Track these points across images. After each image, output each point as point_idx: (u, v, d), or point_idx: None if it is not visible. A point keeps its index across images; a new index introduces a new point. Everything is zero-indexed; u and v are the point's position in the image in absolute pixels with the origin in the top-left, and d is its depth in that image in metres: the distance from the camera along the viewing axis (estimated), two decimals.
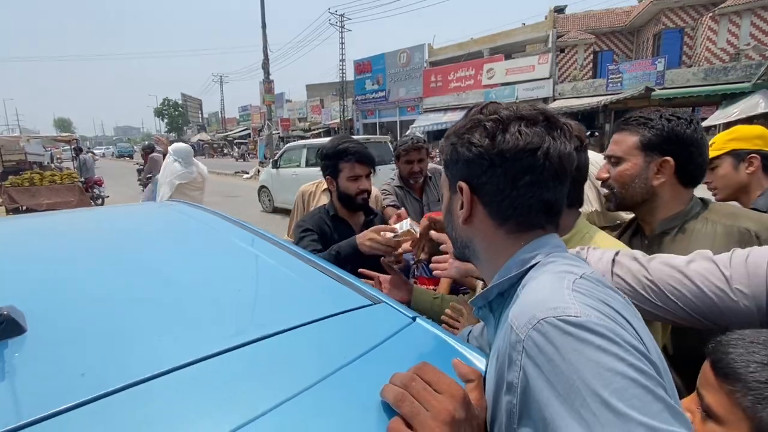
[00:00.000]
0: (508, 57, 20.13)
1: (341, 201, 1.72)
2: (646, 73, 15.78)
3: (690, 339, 0.97)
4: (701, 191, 1.19)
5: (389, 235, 1.37)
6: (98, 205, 9.62)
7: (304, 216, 1.86)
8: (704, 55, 16.24)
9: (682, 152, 1.05)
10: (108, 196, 10.43)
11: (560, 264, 0.55)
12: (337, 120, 29.20)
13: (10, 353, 0.59)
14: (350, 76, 27.81)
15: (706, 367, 0.61)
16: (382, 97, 25.46)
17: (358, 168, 1.66)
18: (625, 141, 1.11)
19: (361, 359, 0.64)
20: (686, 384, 0.81)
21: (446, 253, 1.18)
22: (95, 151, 36.14)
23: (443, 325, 1.23)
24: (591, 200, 1.22)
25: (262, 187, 10.42)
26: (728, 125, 13.16)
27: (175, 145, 4.61)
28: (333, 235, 1.66)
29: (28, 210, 7.87)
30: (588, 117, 16.65)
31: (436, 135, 20.26)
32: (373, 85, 25.92)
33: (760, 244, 0.93)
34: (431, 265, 1.24)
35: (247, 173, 19.08)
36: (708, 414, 0.59)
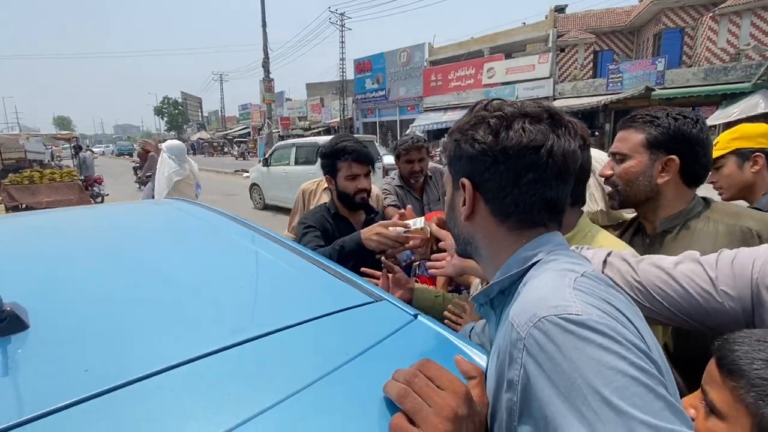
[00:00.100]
0: (508, 56, 20.11)
1: (341, 200, 1.72)
2: (647, 72, 15.77)
3: (693, 339, 0.97)
4: (707, 191, 1.19)
5: (399, 230, 1.34)
6: (98, 203, 9.61)
7: (306, 214, 1.86)
8: (704, 55, 16.24)
9: (688, 151, 1.05)
10: (108, 194, 10.42)
11: (562, 262, 0.55)
12: (337, 119, 29.18)
13: (14, 349, 0.59)
14: (350, 75, 27.81)
15: (711, 363, 0.61)
16: (382, 96, 25.43)
17: (355, 167, 1.65)
18: (631, 138, 1.11)
19: (362, 356, 0.64)
20: (688, 384, 0.82)
21: (444, 250, 1.18)
22: (94, 150, 36.05)
23: (445, 321, 1.23)
24: (597, 199, 1.22)
25: (253, 184, 10.68)
26: (728, 125, 13.17)
27: (168, 142, 4.64)
28: (335, 233, 1.66)
29: (28, 208, 7.86)
30: (588, 117, 16.64)
31: (436, 134, 20.24)
32: (373, 84, 25.90)
33: (761, 244, 0.93)
34: (429, 263, 1.24)
35: (247, 172, 19.05)
36: (711, 410, 0.59)
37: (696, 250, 0.80)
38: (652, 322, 0.80)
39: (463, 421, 0.49)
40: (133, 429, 0.47)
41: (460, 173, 0.64)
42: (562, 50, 19.86)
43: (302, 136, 26.26)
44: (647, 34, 19.20)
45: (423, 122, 21.13)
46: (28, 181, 8.27)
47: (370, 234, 1.37)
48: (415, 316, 0.81)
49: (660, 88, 15.18)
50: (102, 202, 9.88)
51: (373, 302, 0.84)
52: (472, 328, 0.95)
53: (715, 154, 1.46)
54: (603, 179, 1.18)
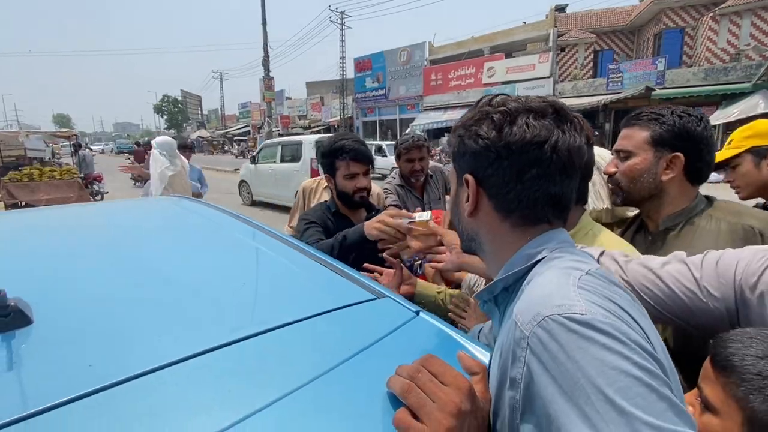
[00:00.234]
0: (508, 55, 20.10)
1: (340, 199, 1.71)
2: (647, 72, 15.78)
3: (693, 336, 0.98)
4: (725, 191, 1.18)
5: (404, 221, 1.28)
6: (97, 200, 9.60)
7: (307, 211, 1.86)
8: (704, 55, 16.24)
9: (692, 149, 1.06)
10: (107, 192, 10.41)
11: (566, 260, 0.54)
12: (337, 118, 29.16)
13: (18, 343, 0.59)
14: (350, 73, 27.78)
15: (707, 361, 0.63)
16: (382, 95, 25.42)
17: (353, 166, 1.63)
18: (636, 136, 1.11)
19: (365, 353, 0.65)
20: (690, 384, 0.82)
21: (441, 245, 1.18)
22: (92, 147, 35.93)
23: (450, 314, 1.23)
24: (603, 197, 1.22)
25: (242, 181, 11.11)
26: (728, 125, 13.18)
27: (158, 138, 4.64)
28: (335, 231, 1.65)
29: (28, 205, 7.84)
30: (588, 116, 16.60)
31: (436, 133, 20.25)
32: (373, 82, 25.88)
33: (763, 242, 0.94)
34: (429, 256, 1.24)
35: None
36: (706, 406, 0.60)
37: (698, 248, 0.81)
38: None
39: (466, 416, 0.49)
40: (136, 423, 0.47)
41: (464, 169, 0.63)
42: (563, 50, 19.85)
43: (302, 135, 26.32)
44: (647, 34, 19.19)
45: (423, 121, 21.12)
46: (27, 179, 8.24)
47: (372, 223, 1.34)
48: (417, 313, 0.81)
49: (660, 88, 15.19)
50: (102, 199, 9.87)
51: (374, 299, 0.84)
52: (481, 329, 0.96)
53: (730, 152, 1.44)
54: (607, 177, 1.18)
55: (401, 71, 24.14)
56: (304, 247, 1.15)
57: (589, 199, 1.22)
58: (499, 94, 0.64)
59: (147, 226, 1.36)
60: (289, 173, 9.30)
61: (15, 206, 7.91)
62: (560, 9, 21.63)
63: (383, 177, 10.08)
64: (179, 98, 66.83)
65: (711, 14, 15.95)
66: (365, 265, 1.30)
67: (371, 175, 1.74)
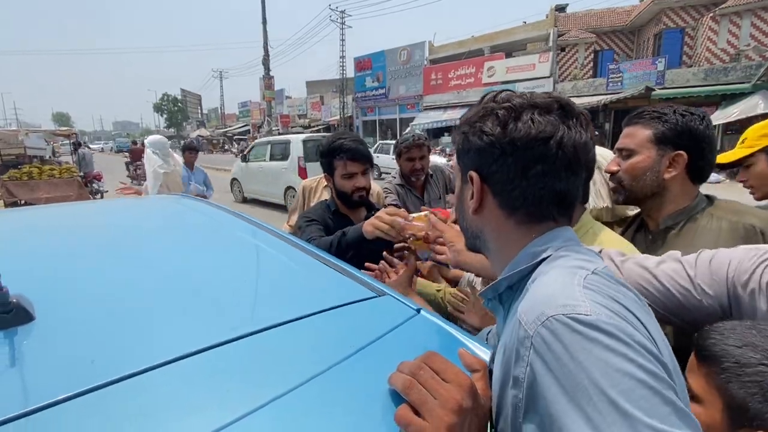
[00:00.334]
0: (508, 55, 20.09)
1: (339, 198, 1.70)
2: (647, 72, 15.77)
3: (690, 336, 0.98)
4: (724, 191, 1.17)
5: (400, 219, 1.27)
6: (97, 199, 9.59)
7: (308, 210, 1.86)
8: (704, 55, 16.25)
9: (695, 147, 1.06)
10: (107, 191, 10.40)
11: (572, 258, 0.54)
12: (337, 117, 29.15)
13: (20, 340, 0.59)
14: (350, 73, 27.76)
15: (692, 353, 0.66)
16: (382, 94, 25.41)
17: (351, 165, 1.62)
18: (638, 134, 1.11)
19: (365, 350, 0.65)
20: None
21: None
22: (91, 146, 35.82)
23: (449, 308, 1.23)
24: (604, 196, 1.23)
25: (234, 179, 11.46)
26: (728, 125, 13.18)
27: (151, 137, 4.66)
28: (335, 230, 1.66)
29: (27, 204, 7.84)
30: None
31: (435, 133, 20.24)
32: (373, 82, 25.87)
33: (764, 241, 0.94)
34: (433, 246, 1.24)
35: None
36: (691, 397, 0.62)
37: (699, 247, 0.82)
38: None
39: (467, 413, 0.49)
40: (138, 420, 0.47)
41: (469, 166, 0.63)
42: (563, 49, 19.85)
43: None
44: (648, 34, 19.20)
45: (423, 121, 21.11)
46: (27, 177, 8.23)
47: (369, 220, 1.33)
48: (418, 311, 0.81)
49: (660, 88, 15.19)
50: (101, 198, 9.86)
51: (375, 297, 0.85)
52: (489, 331, 0.96)
53: (744, 152, 1.42)
54: (608, 175, 1.19)
55: (401, 71, 24.13)
56: (305, 245, 1.15)
57: (590, 198, 1.22)
58: (503, 90, 0.63)
59: (148, 225, 1.36)
60: (278, 171, 9.67)
61: (14, 204, 7.89)
62: (560, 9, 21.64)
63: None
64: (179, 97, 66.82)
65: (711, 14, 15.95)
66: (367, 264, 1.29)
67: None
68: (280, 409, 0.51)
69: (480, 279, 1.31)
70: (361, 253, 1.35)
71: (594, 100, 16.28)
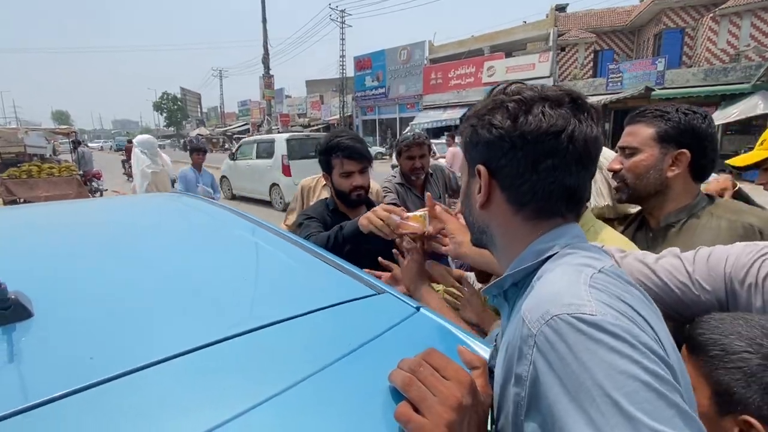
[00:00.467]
0: (508, 55, 20.10)
1: (338, 197, 1.69)
2: (646, 72, 15.78)
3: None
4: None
5: (395, 217, 1.23)
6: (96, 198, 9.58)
7: (307, 208, 1.85)
8: (704, 55, 16.26)
9: (697, 146, 1.07)
10: (107, 189, 10.39)
11: (578, 256, 0.53)
12: (337, 116, 29.15)
13: (19, 336, 0.59)
14: (350, 72, 27.75)
15: (684, 345, 0.67)
16: (382, 93, 25.41)
17: (348, 164, 1.59)
18: (641, 132, 1.12)
19: (365, 348, 0.65)
20: None
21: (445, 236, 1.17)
22: (90, 145, 35.74)
23: (445, 297, 1.23)
24: (604, 194, 1.23)
25: (223, 176, 11.77)
26: (727, 126, 13.19)
27: (139, 137, 4.67)
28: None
29: (26, 202, 7.83)
30: None
31: (435, 132, 20.25)
32: (373, 81, 25.87)
33: (762, 239, 0.95)
34: (430, 242, 1.23)
35: None
36: None
37: (698, 245, 0.83)
38: None
39: (467, 410, 0.49)
40: (136, 417, 0.47)
41: (476, 160, 0.61)
42: (563, 49, 19.86)
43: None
44: (648, 34, 19.20)
45: (423, 120, 21.11)
46: (26, 175, 8.22)
47: (366, 214, 1.30)
48: (418, 309, 0.81)
49: (660, 88, 15.19)
50: (101, 197, 9.86)
51: (375, 294, 0.85)
52: (498, 333, 0.95)
53: (763, 154, 1.38)
54: (611, 174, 1.19)
55: (401, 70, 24.13)
56: (305, 243, 1.15)
57: (591, 196, 1.23)
58: (513, 82, 0.61)
59: (147, 223, 1.36)
60: (264, 169, 10.12)
61: (13, 203, 7.88)
62: (560, 8, 21.65)
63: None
64: (179, 96, 66.76)
65: (711, 15, 15.96)
66: (380, 259, 1.28)
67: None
68: (279, 406, 0.50)
69: (473, 273, 1.31)
70: (360, 251, 1.34)
71: (594, 100, 16.22)
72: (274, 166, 9.71)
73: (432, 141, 3.34)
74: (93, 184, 9.99)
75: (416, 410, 0.49)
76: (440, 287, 1.37)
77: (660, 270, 0.80)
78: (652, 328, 0.44)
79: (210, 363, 0.57)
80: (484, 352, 0.69)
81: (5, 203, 7.86)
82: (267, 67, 20.93)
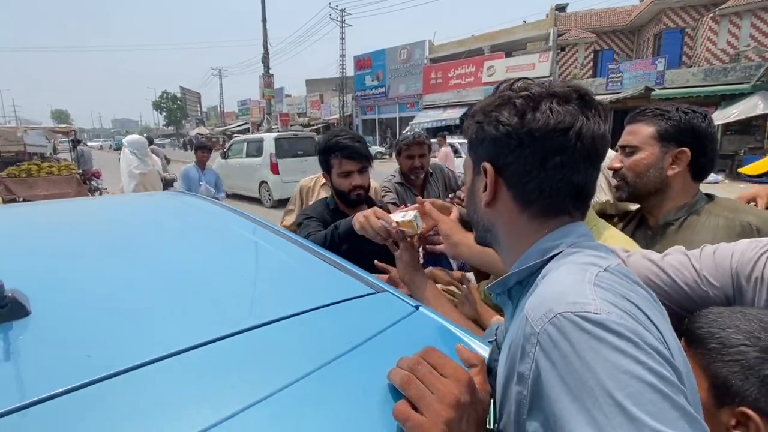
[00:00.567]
0: (508, 54, 20.11)
1: (338, 197, 1.68)
2: (646, 72, 15.79)
3: None
4: (723, 192, 1.17)
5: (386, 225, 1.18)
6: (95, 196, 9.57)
7: (307, 207, 1.85)
8: (704, 55, 16.27)
9: (697, 145, 1.08)
10: (106, 188, 10.38)
11: (584, 255, 0.52)
12: (337, 115, 29.15)
13: (15, 334, 0.59)
14: (350, 71, 27.74)
15: (682, 339, 0.67)
16: (382, 93, 25.41)
17: (347, 164, 1.58)
18: (641, 131, 1.12)
19: (364, 346, 0.65)
20: None
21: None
22: (89, 144, 35.69)
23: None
24: (605, 190, 1.23)
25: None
26: (727, 126, 13.20)
27: (129, 137, 4.65)
28: None
29: (25, 201, 7.82)
30: None
31: (435, 132, 20.25)
32: (372, 81, 25.87)
33: (761, 238, 0.95)
34: (428, 246, 1.23)
35: None
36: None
37: (696, 243, 0.83)
38: None
39: (465, 408, 0.49)
40: (134, 414, 0.47)
41: (482, 157, 0.60)
42: (563, 49, 19.87)
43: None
44: (647, 34, 19.21)
45: (422, 120, 21.12)
46: (25, 174, 8.21)
47: (358, 215, 1.25)
48: (417, 308, 0.81)
49: (659, 88, 15.20)
50: (100, 196, 9.84)
51: (374, 293, 0.84)
52: (498, 327, 0.95)
53: None
54: (611, 172, 1.19)
55: (401, 69, 24.13)
56: (304, 242, 1.15)
57: None
58: (520, 78, 0.60)
59: (146, 221, 1.36)
60: (253, 167, 10.41)
61: (13, 202, 7.88)
62: (560, 8, 21.66)
63: None
64: (178, 95, 66.61)
65: (711, 15, 15.97)
66: (376, 262, 1.27)
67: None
68: (278, 404, 0.50)
69: (472, 273, 1.31)
70: (359, 250, 1.34)
71: None
72: (263, 164, 10.02)
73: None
74: (92, 183, 9.97)
75: (415, 408, 0.49)
76: (439, 286, 1.37)
77: (667, 267, 0.80)
78: (657, 328, 0.44)
79: (209, 361, 0.57)
80: (482, 350, 0.69)
81: (4, 202, 7.85)
82: (267, 67, 20.91)
